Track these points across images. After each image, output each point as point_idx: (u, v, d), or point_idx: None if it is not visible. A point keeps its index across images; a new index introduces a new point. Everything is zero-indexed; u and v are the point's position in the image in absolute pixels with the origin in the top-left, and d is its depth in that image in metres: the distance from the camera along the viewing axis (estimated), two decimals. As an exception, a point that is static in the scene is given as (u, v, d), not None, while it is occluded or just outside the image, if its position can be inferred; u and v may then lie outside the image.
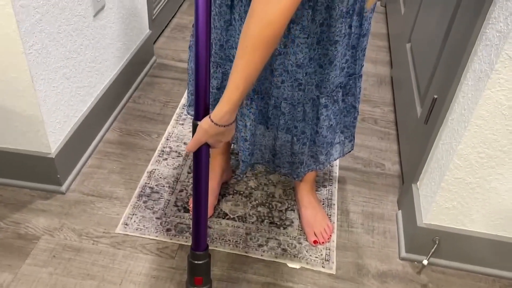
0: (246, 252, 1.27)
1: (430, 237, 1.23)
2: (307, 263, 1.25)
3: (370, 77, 2.02)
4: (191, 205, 1.38)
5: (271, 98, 1.11)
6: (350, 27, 1.02)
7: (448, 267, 1.28)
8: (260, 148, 1.24)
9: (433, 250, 1.23)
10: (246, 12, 0.96)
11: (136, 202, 1.38)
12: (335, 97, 1.13)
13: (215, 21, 1.03)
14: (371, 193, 1.48)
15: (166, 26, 2.25)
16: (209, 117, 0.84)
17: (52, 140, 1.31)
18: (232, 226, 1.33)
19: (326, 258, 1.27)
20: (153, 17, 2.01)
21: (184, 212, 1.36)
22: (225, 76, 1.11)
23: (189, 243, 1.27)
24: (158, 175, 1.47)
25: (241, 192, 1.44)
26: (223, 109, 0.83)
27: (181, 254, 1.25)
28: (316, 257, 1.27)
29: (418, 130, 1.37)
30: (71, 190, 1.40)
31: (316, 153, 1.24)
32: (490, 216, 1.17)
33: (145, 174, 1.47)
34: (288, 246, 1.29)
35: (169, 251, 1.25)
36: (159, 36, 2.17)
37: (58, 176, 1.36)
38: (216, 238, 1.29)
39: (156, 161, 1.52)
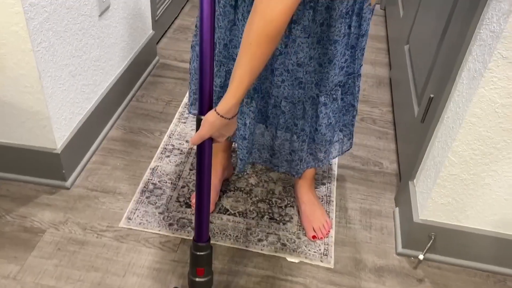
0: (246, 247, 1.30)
1: (426, 232, 1.26)
2: (306, 257, 1.28)
3: (369, 78, 2.06)
4: (192, 201, 1.41)
5: (271, 98, 1.14)
6: (349, 27, 1.05)
7: (444, 262, 1.31)
8: (258, 147, 1.27)
9: (429, 245, 1.26)
10: (249, 12, 1.00)
11: (139, 198, 1.41)
12: (334, 96, 1.16)
13: (219, 21, 1.06)
14: (369, 191, 1.51)
15: (168, 27, 2.29)
16: (215, 110, 0.88)
17: (58, 136, 1.35)
18: (233, 221, 1.37)
19: (325, 252, 1.30)
20: (156, 18, 2.05)
21: (186, 207, 1.39)
22: (228, 75, 1.15)
23: (191, 237, 1.30)
24: (160, 171, 1.50)
25: (242, 189, 1.47)
26: (229, 103, 0.86)
27: (183, 248, 1.28)
28: (315, 252, 1.30)
29: (415, 129, 1.41)
30: (76, 185, 1.44)
31: (315, 150, 1.27)
32: (484, 212, 1.20)
33: (148, 171, 1.50)
34: (287, 241, 1.32)
35: (171, 245, 1.28)
36: (162, 36, 2.21)
37: (63, 171, 1.39)
38: (217, 232, 1.33)
39: (159, 158, 1.55)
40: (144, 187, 1.45)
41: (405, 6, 2.06)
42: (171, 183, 1.47)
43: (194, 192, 1.43)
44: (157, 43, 2.11)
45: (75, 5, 1.32)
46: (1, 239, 1.26)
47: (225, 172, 1.46)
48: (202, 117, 0.90)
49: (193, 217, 1.36)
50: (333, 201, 1.46)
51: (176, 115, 1.75)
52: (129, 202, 1.40)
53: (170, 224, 1.34)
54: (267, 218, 1.38)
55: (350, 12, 1.02)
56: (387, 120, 1.82)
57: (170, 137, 1.64)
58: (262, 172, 1.53)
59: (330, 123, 1.20)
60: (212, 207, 1.38)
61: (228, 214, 1.38)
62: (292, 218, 1.39)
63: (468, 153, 1.11)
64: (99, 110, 1.55)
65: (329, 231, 1.35)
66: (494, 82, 0.99)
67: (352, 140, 1.32)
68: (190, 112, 1.29)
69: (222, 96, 1.15)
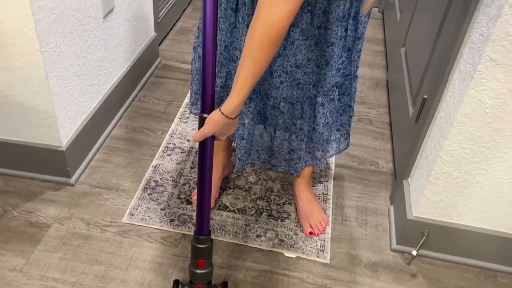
0: (245, 242, 1.34)
1: (419, 229, 1.30)
2: (302, 252, 1.32)
3: (367, 80, 2.10)
4: (193, 198, 1.45)
5: (270, 99, 1.18)
6: (346, 30, 1.09)
7: (437, 258, 1.35)
8: (257, 149, 1.31)
9: (422, 241, 1.30)
10: (249, 15, 1.04)
11: (142, 194, 1.45)
12: (331, 96, 1.20)
13: (220, 23, 1.11)
14: (365, 189, 1.55)
15: (170, 29, 2.33)
16: (219, 110, 0.92)
17: (63, 134, 1.39)
18: (232, 218, 1.41)
19: (321, 248, 1.34)
20: (159, 20, 2.09)
21: (187, 204, 1.43)
22: (228, 76, 1.19)
23: (191, 233, 1.34)
24: (162, 169, 1.55)
25: (241, 187, 1.51)
26: (233, 103, 0.91)
27: (183, 243, 1.32)
28: (312, 248, 1.34)
29: (409, 129, 1.45)
30: (80, 182, 1.48)
31: (313, 149, 1.31)
32: (476, 209, 1.25)
33: (150, 169, 1.54)
34: (285, 237, 1.36)
35: (172, 240, 1.33)
36: (164, 38, 2.25)
37: (68, 168, 1.43)
38: (217, 228, 1.37)
39: (161, 157, 1.60)
40: (146, 184, 1.49)
41: (402, 9, 2.10)
42: (172, 180, 1.51)
43: (195, 190, 1.47)
44: (159, 44, 2.15)
45: (81, 7, 1.36)
46: (8, 233, 1.30)
47: (225, 170, 1.50)
48: (205, 115, 0.95)
49: (193, 214, 1.40)
50: (330, 199, 1.50)
51: (178, 115, 1.79)
52: (131, 198, 1.44)
53: (171, 220, 1.38)
54: (265, 215, 1.42)
55: (346, 16, 1.06)
56: (384, 121, 1.86)
57: (171, 136, 1.69)
58: (261, 171, 1.57)
59: (328, 122, 1.24)
60: (212, 203, 1.42)
61: (228, 211, 1.43)
62: (289, 215, 1.43)
63: (459, 152, 1.15)
64: (102, 110, 1.60)
65: (325, 227, 1.40)
66: (483, 84, 1.03)
67: (349, 139, 1.36)
68: (191, 112, 1.33)
69: (222, 96, 1.20)
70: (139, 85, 1.90)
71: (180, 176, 1.53)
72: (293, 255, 1.32)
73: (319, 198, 1.50)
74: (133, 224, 1.36)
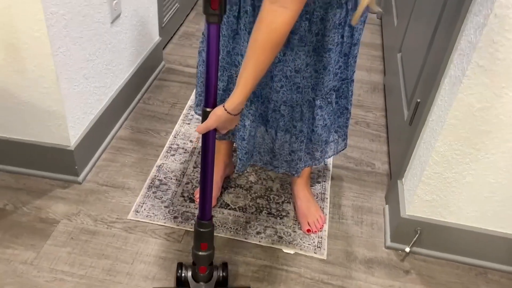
0: (245, 238, 1.39)
1: (413, 227, 1.36)
2: (300, 249, 1.38)
3: (364, 84, 2.17)
4: (196, 196, 1.51)
5: (271, 102, 1.24)
6: (342, 37, 1.15)
7: (429, 255, 1.41)
8: (259, 151, 1.37)
9: (415, 239, 1.36)
10: (250, 23, 1.10)
11: (146, 192, 1.51)
12: (329, 99, 1.26)
13: (222, 30, 1.17)
14: (361, 189, 1.61)
15: (174, 34, 2.40)
16: (223, 106, 0.98)
17: (72, 134, 1.45)
18: (233, 215, 1.46)
19: (318, 245, 1.40)
20: (163, 25, 2.16)
21: (190, 202, 1.49)
22: (230, 79, 1.25)
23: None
24: (166, 169, 1.61)
25: (242, 186, 1.57)
26: (235, 101, 0.98)
27: (186, 239, 1.38)
28: (309, 244, 1.40)
29: (404, 131, 1.51)
30: (87, 180, 1.54)
31: (312, 150, 1.37)
32: (466, 208, 1.30)
33: (155, 168, 1.60)
34: (284, 234, 1.42)
35: (176, 236, 1.38)
36: (167, 42, 2.32)
37: (76, 167, 1.49)
38: (219, 225, 1.42)
39: (165, 157, 1.66)
40: (151, 183, 1.55)
41: (399, 16, 2.17)
42: (176, 179, 1.57)
43: (198, 188, 1.53)
44: (163, 48, 2.21)
45: (90, 13, 1.43)
46: (19, 228, 1.36)
47: (227, 170, 1.56)
48: (208, 109, 1.01)
49: (196, 211, 1.46)
50: (327, 198, 1.56)
51: (181, 117, 1.85)
52: (136, 196, 1.50)
53: (175, 217, 1.44)
54: (265, 213, 1.48)
55: (342, 23, 1.13)
56: (380, 123, 1.92)
57: (175, 137, 1.75)
58: (261, 171, 1.63)
59: (326, 124, 1.30)
60: (214, 202, 1.48)
61: (229, 209, 1.48)
62: (288, 213, 1.49)
63: (449, 153, 1.21)
64: (109, 111, 1.66)
65: (322, 225, 1.45)
66: (471, 88, 1.09)
67: (346, 140, 1.42)
68: (196, 113, 1.39)
69: (224, 99, 1.26)
70: (143, 88, 1.96)
71: (183, 175, 1.59)
72: (291, 251, 1.37)
73: (317, 197, 1.56)
74: (138, 220, 1.42)
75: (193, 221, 1.43)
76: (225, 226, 1.42)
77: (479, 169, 1.22)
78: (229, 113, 0.99)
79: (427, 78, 1.34)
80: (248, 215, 1.47)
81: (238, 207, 1.49)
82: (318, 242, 1.41)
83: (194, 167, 1.62)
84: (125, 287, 1.24)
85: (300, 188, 1.49)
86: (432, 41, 1.42)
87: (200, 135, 1.07)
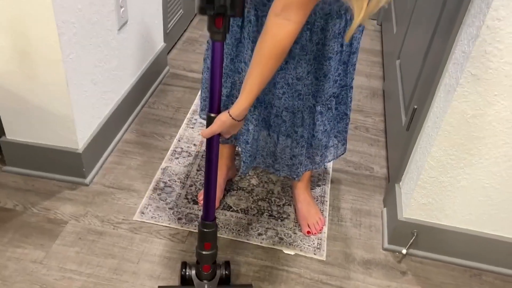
0: (247, 240, 1.44)
1: (409, 229, 1.40)
2: (300, 250, 1.43)
3: (364, 89, 2.21)
4: (199, 198, 1.55)
5: (273, 108, 1.29)
6: (341, 45, 1.20)
7: (425, 257, 1.45)
8: (262, 153, 1.41)
9: (411, 241, 1.40)
10: (253, 32, 1.15)
11: (151, 194, 1.56)
12: (329, 105, 1.31)
13: (227, 38, 1.22)
14: (360, 193, 1.66)
15: (178, 39, 2.45)
16: (228, 112, 1.03)
17: (80, 137, 1.50)
18: (235, 217, 1.51)
19: (318, 246, 1.44)
20: (168, 31, 2.21)
21: (193, 204, 1.54)
22: (233, 86, 1.30)
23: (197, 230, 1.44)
24: (170, 171, 1.65)
25: (244, 188, 1.62)
26: (240, 107, 1.02)
27: (190, 240, 1.42)
28: (309, 246, 1.44)
29: (401, 137, 1.56)
30: (94, 182, 1.58)
31: (313, 154, 1.42)
32: (461, 211, 1.35)
33: (159, 171, 1.65)
34: (284, 235, 1.47)
35: (180, 237, 1.43)
36: (172, 48, 2.37)
37: (84, 169, 1.54)
38: (221, 227, 1.47)
39: (169, 160, 1.70)
40: (156, 185, 1.59)
41: (398, 23, 2.22)
42: (180, 182, 1.62)
43: (201, 190, 1.58)
44: (167, 54, 2.26)
45: (99, 20, 1.48)
46: (28, 228, 1.41)
47: (229, 173, 1.61)
48: (212, 115, 1.06)
49: (200, 213, 1.51)
50: (327, 201, 1.61)
51: (185, 121, 1.90)
52: (142, 198, 1.54)
53: (179, 219, 1.48)
54: (266, 215, 1.53)
55: (342, 33, 1.17)
56: (379, 128, 1.97)
57: (179, 141, 1.80)
58: (263, 174, 1.68)
59: (326, 129, 1.35)
60: (217, 204, 1.53)
61: (232, 211, 1.53)
62: (289, 215, 1.54)
63: (445, 158, 1.25)
64: (115, 115, 1.71)
65: (322, 227, 1.50)
66: (465, 96, 1.14)
67: (346, 145, 1.46)
68: (200, 117, 1.44)
69: (227, 104, 1.31)
70: (148, 92, 2.01)
71: (187, 178, 1.64)
72: (291, 252, 1.42)
73: (317, 200, 1.60)
74: (143, 221, 1.47)
75: (196, 223, 1.48)
76: (227, 228, 1.47)
77: (473, 174, 1.26)
78: (234, 118, 1.04)
79: (424, 85, 1.39)
80: (250, 217, 1.52)
81: (240, 209, 1.54)
82: (317, 243, 1.45)
83: (197, 170, 1.67)
84: (131, 286, 1.28)
85: (301, 191, 1.54)
86: (429, 50, 1.47)
87: (204, 139, 1.11)
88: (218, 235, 1.43)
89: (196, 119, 1.91)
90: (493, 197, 1.30)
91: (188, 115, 1.93)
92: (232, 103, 1.18)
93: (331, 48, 1.18)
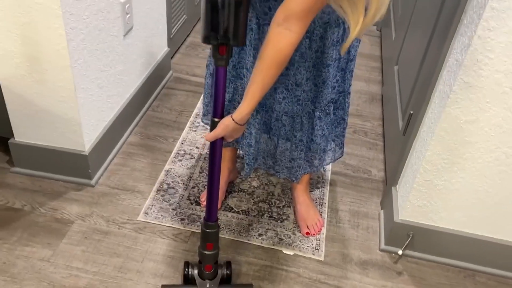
0: (248, 240, 1.48)
1: (405, 231, 1.45)
2: (299, 250, 1.47)
3: (363, 94, 2.26)
4: (202, 199, 1.60)
5: (274, 112, 1.34)
6: (339, 53, 1.25)
7: (421, 258, 1.49)
8: (263, 155, 1.46)
9: (407, 242, 1.44)
10: (255, 39, 1.20)
11: (155, 196, 1.60)
12: (327, 111, 1.36)
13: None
14: (358, 195, 1.70)
15: (181, 44, 2.50)
16: (231, 116, 1.08)
17: (86, 140, 1.55)
18: (236, 218, 1.56)
19: (316, 247, 1.49)
20: (171, 36, 2.26)
21: (196, 205, 1.59)
22: (235, 91, 1.34)
23: (200, 231, 1.49)
24: (174, 173, 1.70)
25: (245, 190, 1.66)
26: (243, 112, 1.07)
27: (193, 240, 1.47)
28: (308, 246, 1.48)
29: (398, 141, 1.60)
30: (100, 183, 1.63)
31: (311, 158, 1.46)
32: (455, 214, 1.39)
33: (163, 172, 1.70)
34: (284, 236, 1.51)
35: (183, 237, 1.47)
36: (175, 52, 2.42)
37: (89, 171, 1.59)
38: (223, 227, 1.52)
39: (172, 162, 1.75)
40: (159, 186, 1.64)
41: (397, 29, 2.26)
42: (183, 183, 1.66)
43: (203, 192, 1.62)
44: (171, 58, 2.31)
45: (105, 27, 1.53)
46: (36, 228, 1.45)
47: (231, 175, 1.65)
48: (216, 119, 1.10)
49: (202, 214, 1.55)
50: (325, 203, 1.65)
51: (188, 124, 1.95)
52: (146, 199, 1.59)
53: (182, 219, 1.53)
54: (266, 216, 1.57)
55: (340, 41, 1.22)
56: (377, 132, 2.01)
57: (182, 143, 1.84)
58: (263, 176, 1.73)
59: (324, 134, 1.39)
60: (219, 205, 1.57)
61: (233, 212, 1.58)
62: (288, 216, 1.58)
63: (439, 162, 1.30)
64: (120, 118, 1.76)
65: (321, 228, 1.54)
66: (458, 102, 1.18)
67: (343, 149, 1.51)
68: (203, 122, 1.48)
69: (229, 109, 1.36)
70: (152, 96, 2.06)
71: (190, 179, 1.68)
72: (291, 253, 1.46)
73: (315, 202, 1.65)
74: (147, 222, 1.51)
75: (198, 223, 1.52)
76: (229, 228, 1.52)
77: (467, 177, 1.31)
78: (237, 123, 1.08)
79: (420, 91, 1.44)
80: (251, 218, 1.56)
81: (241, 210, 1.59)
82: (316, 244, 1.49)
83: (200, 172, 1.72)
84: (135, 284, 1.33)
85: (300, 193, 1.58)
86: (425, 57, 1.51)
87: (207, 143, 1.16)
88: (220, 235, 1.48)
89: (198, 123, 1.95)
90: (486, 200, 1.34)
91: (191, 118, 1.98)
92: (234, 108, 1.23)
93: (329, 56, 1.22)
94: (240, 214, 1.57)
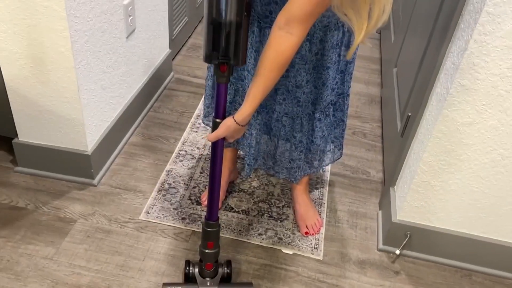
0: (248, 239, 1.51)
1: (403, 231, 1.47)
2: (299, 250, 1.49)
3: (362, 96, 2.28)
4: (202, 199, 1.62)
5: (274, 113, 1.36)
6: (339, 55, 1.27)
7: (418, 258, 1.51)
8: (263, 156, 1.48)
9: (404, 242, 1.47)
10: (256, 42, 1.22)
11: (156, 195, 1.62)
12: (327, 112, 1.38)
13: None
14: (356, 196, 1.72)
15: (183, 46, 2.53)
16: (233, 117, 1.10)
17: (89, 140, 1.57)
18: (237, 218, 1.58)
19: (315, 246, 1.51)
20: (173, 38, 2.28)
21: (197, 205, 1.61)
22: (236, 93, 1.37)
23: (200, 230, 1.51)
24: (175, 173, 1.72)
25: (245, 190, 1.69)
26: (244, 113, 1.09)
27: (193, 239, 1.49)
28: (307, 246, 1.51)
29: (396, 142, 1.62)
30: (102, 183, 1.65)
31: (311, 159, 1.48)
32: (452, 214, 1.41)
33: (164, 173, 1.72)
34: (283, 235, 1.53)
35: (184, 236, 1.50)
36: (176, 54, 2.44)
37: (92, 170, 1.61)
38: (223, 227, 1.54)
39: (173, 162, 1.77)
40: (161, 186, 1.66)
41: (396, 32, 2.29)
42: (184, 183, 1.69)
43: (204, 192, 1.65)
44: (172, 59, 2.34)
45: (108, 29, 1.55)
46: (39, 226, 1.48)
47: (231, 175, 1.67)
48: (218, 120, 1.13)
49: (202, 213, 1.57)
50: (324, 203, 1.67)
51: (189, 125, 1.97)
52: (147, 198, 1.61)
53: (183, 218, 1.55)
54: (266, 216, 1.60)
55: (339, 44, 1.24)
56: (376, 134, 2.04)
57: (183, 144, 1.87)
58: (263, 177, 1.75)
59: (324, 135, 1.41)
60: (219, 205, 1.60)
61: (233, 212, 1.60)
62: (288, 216, 1.60)
63: (436, 163, 1.32)
64: (123, 119, 1.78)
65: (320, 228, 1.56)
66: (455, 105, 1.21)
67: (342, 150, 1.53)
68: (204, 123, 1.51)
69: (230, 111, 1.38)
70: (154, 97, 2.08)
71: (191, 179, 1.71)
72: (290, 252, 1.49)
73: (315, 202, 1.67)
74: (149, 221, 1.53)
75: (199, 223, 1.54)
76: (229, 228, 1.54)
77: (463, 179, 1.33)
78: (238, 123, 1.11)
79: (418, 93, 1.46)
80: (251, 217, 1.58)
81: (241, 210, 1.61)
82: (315, 243, 1.52)
83: (200, 172, 1.74)
84: (137, 282, 1.35)
85: (299, 193, 1.61)
86: (423, 60, 1.54)
87: (208, 143, 1.18)
88: (220, 234, 1.50)
89: (199, 123, 1.98)
90: (482, 201, 1.36)
91: (192, 119, 2.00)
92: (235, 109, 1.25)
93: (329, 58, 1.25)
94: (240, 213, 1.59)
